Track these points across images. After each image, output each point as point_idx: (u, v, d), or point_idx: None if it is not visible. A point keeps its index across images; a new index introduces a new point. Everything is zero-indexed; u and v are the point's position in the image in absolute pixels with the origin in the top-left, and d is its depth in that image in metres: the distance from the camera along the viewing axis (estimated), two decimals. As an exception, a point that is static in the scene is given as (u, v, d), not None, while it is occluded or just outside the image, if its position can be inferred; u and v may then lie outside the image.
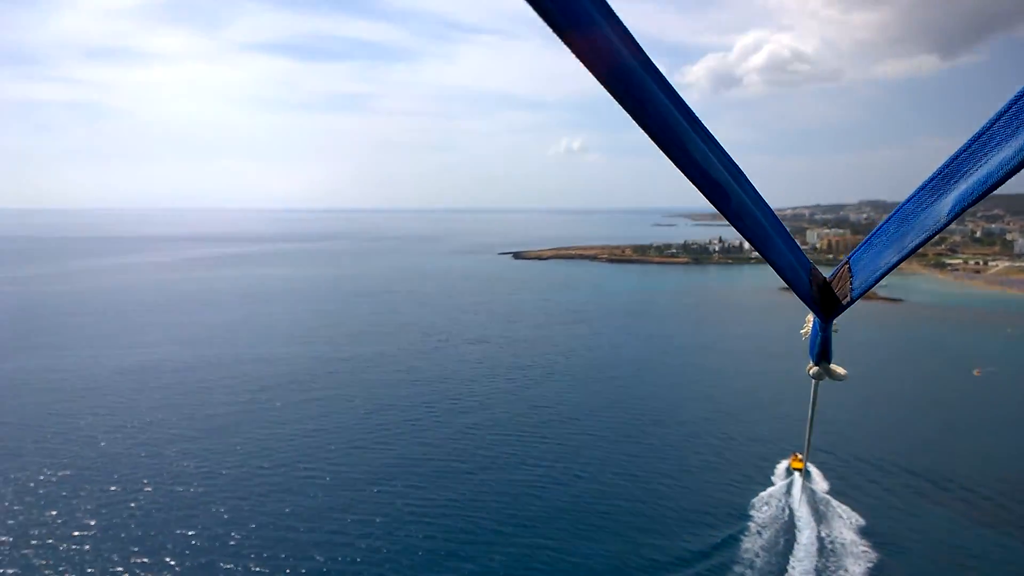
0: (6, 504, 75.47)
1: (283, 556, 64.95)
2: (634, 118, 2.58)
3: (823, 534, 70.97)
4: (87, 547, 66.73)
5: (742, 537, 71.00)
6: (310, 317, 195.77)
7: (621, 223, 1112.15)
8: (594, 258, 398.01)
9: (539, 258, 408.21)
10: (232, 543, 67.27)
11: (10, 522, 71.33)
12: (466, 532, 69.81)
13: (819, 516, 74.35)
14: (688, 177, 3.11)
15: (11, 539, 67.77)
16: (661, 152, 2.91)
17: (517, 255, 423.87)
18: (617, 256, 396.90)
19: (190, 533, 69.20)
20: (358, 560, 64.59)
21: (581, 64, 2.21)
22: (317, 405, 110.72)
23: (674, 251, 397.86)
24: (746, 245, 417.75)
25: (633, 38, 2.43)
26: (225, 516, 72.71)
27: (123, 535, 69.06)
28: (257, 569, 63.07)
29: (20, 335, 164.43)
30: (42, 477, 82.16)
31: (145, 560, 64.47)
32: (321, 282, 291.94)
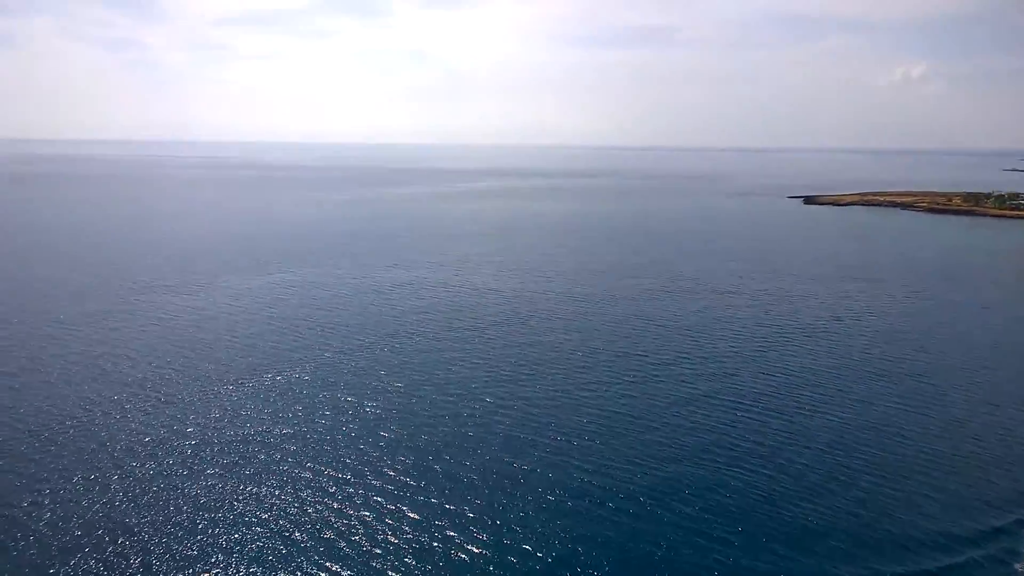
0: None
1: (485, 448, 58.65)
2: None
3: None
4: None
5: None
6: (555, 252, 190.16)
7: (962, 167, 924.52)
8: (909, 207, 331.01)
9: (836, 204, 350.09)
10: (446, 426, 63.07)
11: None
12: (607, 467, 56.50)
13: None
14: None
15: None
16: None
17: (809, 199, 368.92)
18: (940, 206, 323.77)
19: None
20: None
21: None
22: (523, 347, 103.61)
23: (1022, 202, 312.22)
24: None
25: None
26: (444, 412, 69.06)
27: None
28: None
29: (311, 251, 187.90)
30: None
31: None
32: (577, 218, 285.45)
